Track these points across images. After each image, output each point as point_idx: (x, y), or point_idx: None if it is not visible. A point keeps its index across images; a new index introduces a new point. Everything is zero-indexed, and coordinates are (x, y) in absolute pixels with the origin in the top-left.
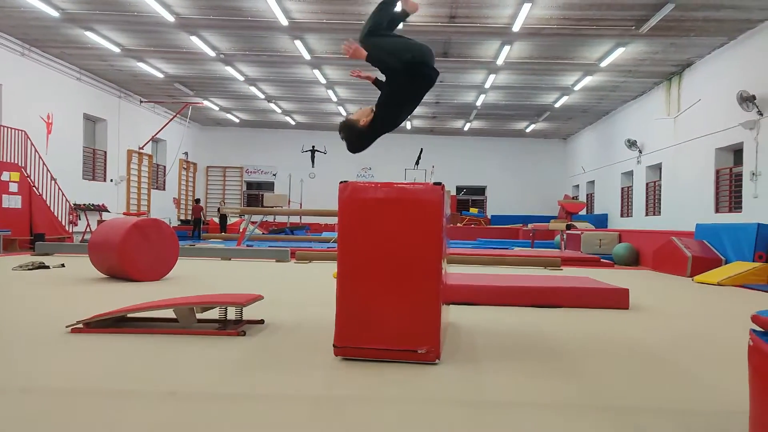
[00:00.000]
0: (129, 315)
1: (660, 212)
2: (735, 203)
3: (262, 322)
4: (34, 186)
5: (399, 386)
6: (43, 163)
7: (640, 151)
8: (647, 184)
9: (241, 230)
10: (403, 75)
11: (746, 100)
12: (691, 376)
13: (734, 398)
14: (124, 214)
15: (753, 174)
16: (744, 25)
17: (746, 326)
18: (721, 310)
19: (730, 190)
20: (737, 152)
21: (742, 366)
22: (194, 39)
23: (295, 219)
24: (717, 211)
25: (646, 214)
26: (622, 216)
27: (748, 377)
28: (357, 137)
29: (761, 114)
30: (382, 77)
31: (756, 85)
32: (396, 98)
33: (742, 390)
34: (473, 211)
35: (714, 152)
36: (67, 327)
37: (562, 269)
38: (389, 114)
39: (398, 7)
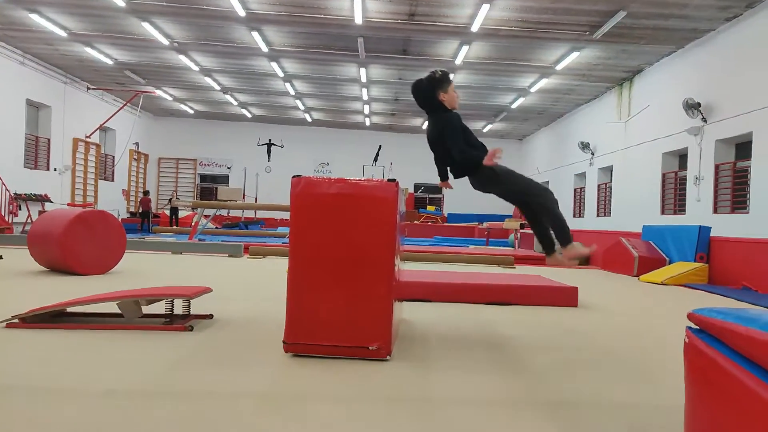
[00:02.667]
0: (69, 309)
1: (610, 213)
2: (679, 206)
3: (210, 317)
4: None
5: (348, 383)
6: None
7: (593, 154)
8: (599, 186)
9: (193, 224)
10: (465, 164)
11: (692, 107)
12: (634, 371)
13: (674, 393)
14: (68, 205)
15: (696, 178)
16: (691, 35)
17: (685, 324)
18: (664, 308)
19: (675, 193)
20: (682, 157)
21: (680, 362)
22: (146, 26)
23: (249, 213)
24: (663, 213)
25: (597, 215)
26: (574, 216)
27: (684, 373)
28: (429, 93)
29: (705, 121)
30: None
31: (701, 93)
32: (455, 145)
33: (681, 385)
34: (430, 209)
35: (661, 156)
36: (1, 322)
37: (515, 267)
38: (444, 135)
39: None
